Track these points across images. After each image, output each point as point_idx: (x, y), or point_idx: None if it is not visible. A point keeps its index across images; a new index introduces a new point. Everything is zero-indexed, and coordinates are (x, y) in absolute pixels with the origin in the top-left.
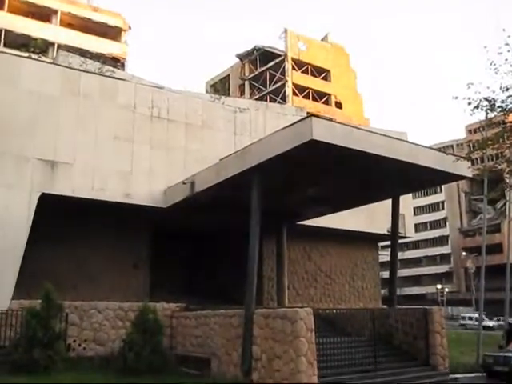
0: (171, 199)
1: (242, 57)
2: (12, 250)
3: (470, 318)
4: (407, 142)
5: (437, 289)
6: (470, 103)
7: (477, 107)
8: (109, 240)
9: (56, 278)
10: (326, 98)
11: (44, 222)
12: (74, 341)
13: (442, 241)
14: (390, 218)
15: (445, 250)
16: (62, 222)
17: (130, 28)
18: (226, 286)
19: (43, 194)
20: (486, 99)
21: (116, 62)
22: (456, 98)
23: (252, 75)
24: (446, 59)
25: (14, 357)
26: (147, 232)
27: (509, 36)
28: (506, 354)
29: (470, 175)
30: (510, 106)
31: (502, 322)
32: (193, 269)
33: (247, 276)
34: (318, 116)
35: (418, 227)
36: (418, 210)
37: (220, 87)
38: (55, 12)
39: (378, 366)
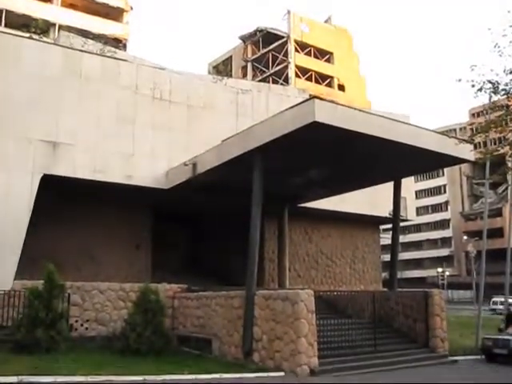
0: (173, 181)
1: (244, 38)
2: (14, 231)
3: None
4: (409, 124)
5: (437, 272)
6: (473, 85)
7: (480, 90)
8: (110, 221)
9: (58, 259)
10: (328, 80)
11: (46, 204)
12: (76, 321)
13: (443, 224)
14: (392, 201)
15: (446, 233)
16: (64, 204)
17: (131, 9)
18: (227, 268)
19: (45, 175)
20: (489, 82)
21: (118, 43)
22: (459, 80)
23: (254, 57)
24: (451, 42)
25: (16, 337)
26: (149, 213)
27: None
28: (506, 337)
29: (473, 159)
30: None
31: None
32: (194, 250)
33: (248, 257)
34: (320, 98)
35: (420, 211)
36: (420, 194)
37: (222, 69)
38: None
39: (377, 347)
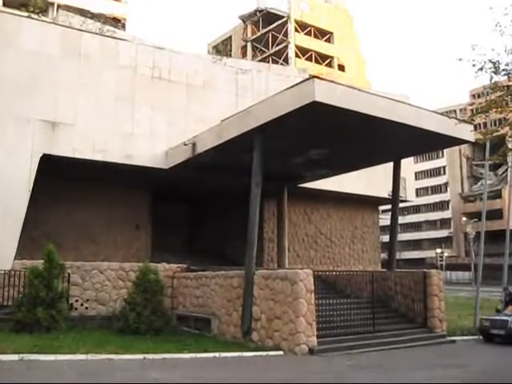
0: (172, 160)
1: (244, 18)
2: (13, 211)
3: None
4: (410, 105)
5: (436, 253)
6: (474, 65)
7: (481, 69)
8: (110, 201)
9: (58, 239)
10: (328, 60)
11: (45, 184)
12: (77, 300)
13: (442, 206)
14: (391, 182)
15: (445, 214)
16: (63, 184)
17: None
18: (226, 247)
19: (44, 155)
20: (490, 61)
21: (117, 22)
22: (460, 59)
23: (254, 37)
24: (453, 22)
25: (17, 316)
26: (148, 193)
27: None
28: (503, 318)
29: (472, 139)
30: None
31: None
32: (194, 230)
33: (247, 238)
34: (320, 78)
35: (419, 192)
36: (420, 175)
37: (222, 49)
38: None
39: (376, 327)
